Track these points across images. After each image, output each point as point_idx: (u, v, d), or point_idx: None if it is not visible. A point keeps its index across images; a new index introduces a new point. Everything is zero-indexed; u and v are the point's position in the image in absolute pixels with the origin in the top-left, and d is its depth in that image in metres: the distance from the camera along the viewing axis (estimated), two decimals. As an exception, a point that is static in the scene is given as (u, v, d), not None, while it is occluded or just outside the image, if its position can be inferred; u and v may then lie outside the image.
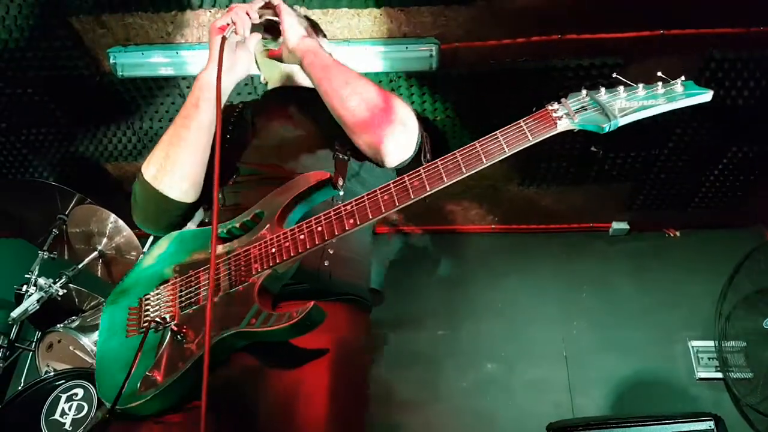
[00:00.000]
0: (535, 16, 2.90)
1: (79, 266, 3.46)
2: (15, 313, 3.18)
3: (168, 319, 1.33)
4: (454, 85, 3.27)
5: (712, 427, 3.02)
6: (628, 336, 4.31)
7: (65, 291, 3.35)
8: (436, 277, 4.67)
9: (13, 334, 3.30)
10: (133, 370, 1.27)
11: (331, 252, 1.47)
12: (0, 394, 3.72)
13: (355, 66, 3.04)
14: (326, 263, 1.45)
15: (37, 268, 3.41)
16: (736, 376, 4.03)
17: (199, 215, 1.64)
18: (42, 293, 3.25)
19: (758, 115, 3.39)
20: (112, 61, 3.18)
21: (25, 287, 3.32)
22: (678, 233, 4.70)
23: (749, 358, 4.00)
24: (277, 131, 1.67)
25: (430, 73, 3.15)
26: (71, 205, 3.62)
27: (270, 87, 1.87)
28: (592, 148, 3.73)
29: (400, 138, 1.49)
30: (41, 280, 3.31)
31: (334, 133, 1.58)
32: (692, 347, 4.28)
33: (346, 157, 1.58)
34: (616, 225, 4.65)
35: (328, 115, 1.59)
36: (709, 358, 4.23)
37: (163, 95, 3.49)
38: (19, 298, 3.30)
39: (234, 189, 1.57)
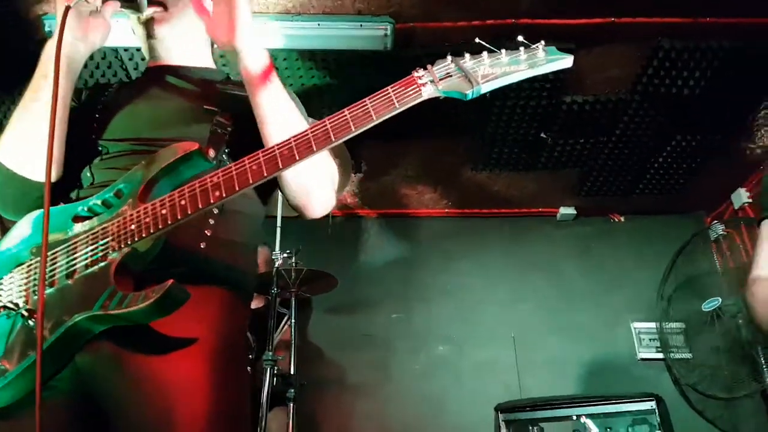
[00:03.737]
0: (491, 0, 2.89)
1: None
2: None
3: (20, 304, 1.24)
4: (408, 65, 3.23)
5: (654, 407, 3.14)
6: (573, 318, 4.43)
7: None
8: (390, 260, 4.68)
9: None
10: None
11: (209, 234, 1.38)
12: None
13: (308, 42, 3.04)
14: (203, 245, 1.36)
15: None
16: (676, 357, 4.20)
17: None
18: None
19: (702, 105, 3.49)
20: (47, 28, 3.00)
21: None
22: (623, 218, 4.84)
23: (689, 339, 4.18)
24: (151, 107, 1.58)
25: (384, 53, 3.10)
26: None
27: (149, 63, 1.75)
28: (542, 135, 3.77)
29: (329, 205, 1.53)
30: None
31: (216, 107, 1.53)
32: (634, 329, 4.43)
33: (224, 131, 1.49)
34: (564, 210, 4.76)
35: (209, 91, 1.55)
36: (650, 340, 4.39)
37: (104, 65, 3.32)
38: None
39: (103, 166, 1.47)
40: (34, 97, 1.39)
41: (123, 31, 1.55)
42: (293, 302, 3.50)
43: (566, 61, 1.24)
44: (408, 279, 4.60)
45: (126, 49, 3.20)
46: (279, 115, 1.41)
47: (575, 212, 4.76)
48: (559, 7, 2.96)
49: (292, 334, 3.46)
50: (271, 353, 3.15)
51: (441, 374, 4.28)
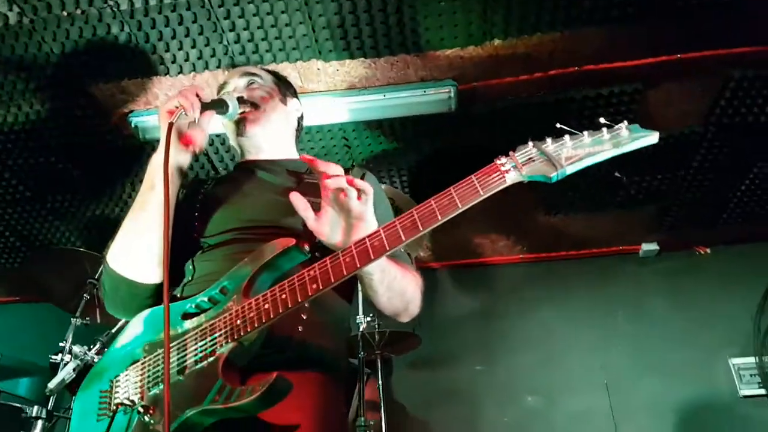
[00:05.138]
0: (551, 51, 2.90)
1: (113, 330, 3.44)
2: (52, 384, 3.15)
3: (136, 401, 1.32)
4: (475, 123, 3.28)
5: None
6: (666, 358, 4.25)
7: (100, 357, 3.33)
8: (469, 311, 4.64)
9: (51, 405, 3.28)
10: None
11: (305, 317, 1.45)
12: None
13: (375, 113, 3.13)
14: (300, 329, 1.43)
15: (71, 335, 3.41)
16: (780, 391, 3.95)
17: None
18: (78, 361, 3.21)
19: (780, 131, 3.37)
20: (133, 125, 3.23)
21: (60, 355, 3.31)
22: (708, 250, 4.65)
23: (792, 372, 3.93)
24: (247, 202, 1.67)
25: (449, 114, 3.16)
26: (101, 269, 3.62)
27: (240, 159, 1.88)
28: (616, 174, 3.71)
29: (415, 314, 1.61)
30: (76, 348, 3.29)
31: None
32: (733, 365, 4.20)
33: None
34: (646, 246, 4.62)
35: (298, 183, 1.63)
36: (751, 375, 4.14)
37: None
38: (54, 367, 3.29)
39: (204, 259, 1.57)
40: (142, 207, 1.51)
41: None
42: (378, 364, 3.52)
43: (652, 138, 1.22)
44: (488, 329, 4.54)
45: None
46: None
47: (658, 248, 4.60)
48: (622, 49, 2.95)
49: (380, 395, 3.46)
50: (363, 418, 3.16)
51: (532, 426, 4.17)
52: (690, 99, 3.26)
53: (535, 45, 2.88)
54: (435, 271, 4.81)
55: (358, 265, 1.25)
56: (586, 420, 4.11)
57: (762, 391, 4.06)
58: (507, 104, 3.22)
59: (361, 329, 3.44)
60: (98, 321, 3.75)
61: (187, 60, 2.93)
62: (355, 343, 3.41)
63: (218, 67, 2.96)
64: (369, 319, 3.49)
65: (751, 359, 4.14)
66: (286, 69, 2.96)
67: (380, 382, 3.49)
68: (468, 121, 3.25)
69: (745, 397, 4.10)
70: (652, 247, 4.60)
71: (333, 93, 3.10)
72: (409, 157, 3.53)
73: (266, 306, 1.29)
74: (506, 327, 4.54)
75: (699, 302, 4.41)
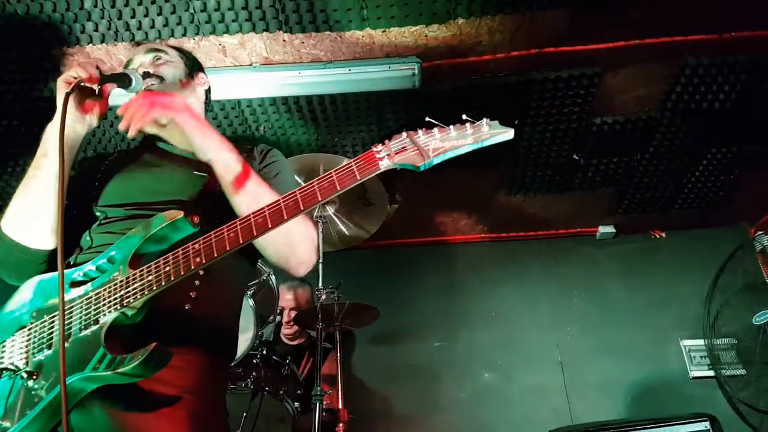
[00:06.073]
0: (513, 32, 2.96)
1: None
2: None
3: (20, 366, 1.34)
4: (438, 101, 3.33)
5: (708, 427, 3.07)
6: (620, 338, 4.38)
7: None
8: (429, 288, 4.70)
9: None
10: None
11: (193, 295, 1.48)
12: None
13: (340, 87, 3.15)
14: (187, 306, 1.47)
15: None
16: (729, 373, 4.09)
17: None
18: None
19: (733, 117, 3.48)
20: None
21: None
22: (664, 234, 4.78)
23: (741, 354, 4.06)
24: (145, 173, 1.70)
25: (413, 91, 3.20)
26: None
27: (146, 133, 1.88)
28: (574, 156, 3.79)
29: (309, 265, 1.64)
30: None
31: (205, 173, 1.64)
32: (684, 347, 4.34)
33: (212, 195, 1.61)
34: (603, 229, 4.73)
35: (198, 162, 1.66)
36: (701, 357, 4.28)
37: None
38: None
39: (101, 230, 1.58)
40: (35, 174, 1.55)
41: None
42: (337, 336, 3.56)
43: (508, 134, 1.37)
44: (448, 306, 4.61)
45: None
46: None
47: (615, 230, 4.72)
48: (582, 33, 3.02)
49: (338, 367, 3.50)
50: (319, 388, 3.20)
51: (489, 402, 4.26)
52: (647, 84, 3.35)
53: (498, 25, 2.92)
54: (397, 247, 4.85)
55: (241, 241, 1.31)
56: (541, 397, 4.22)
57: (711, 373, 4.21)
58: (470, 84, 3.26)
59: (320, 301, 3.47)
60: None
61: (152, 27, 2.91)
62: (314, 315, 3.45)
63: (184, 35, 2.95)
64: (329, 290, 3.52)
65: (702, 341, 4.28)
66: (253, 39, 2.97)
67: (338, 354, 3.54)
68: (431, 98, 3.29)
69: (695, 378, 4.24)
70: (609, 229, 4.72)
71: (299, 66, 3.12)
72: (373, 133, 3.57)
73: (150, 277, 1.33)
74: (466, 304, 4.61)
75: (653, 285, 4.54)
